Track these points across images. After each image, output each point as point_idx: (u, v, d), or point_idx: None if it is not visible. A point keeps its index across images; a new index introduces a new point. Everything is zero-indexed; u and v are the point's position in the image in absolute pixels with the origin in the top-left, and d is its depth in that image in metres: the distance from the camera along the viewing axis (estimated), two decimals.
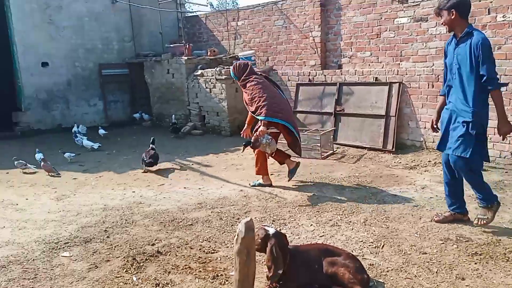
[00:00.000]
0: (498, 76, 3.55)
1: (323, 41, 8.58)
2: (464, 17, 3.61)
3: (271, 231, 2.81)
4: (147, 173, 6.39)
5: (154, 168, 6.50)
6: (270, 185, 5.53)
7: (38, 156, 6.71)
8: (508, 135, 3.75)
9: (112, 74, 10.89)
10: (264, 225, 2.96)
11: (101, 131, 9.26)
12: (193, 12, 12.32)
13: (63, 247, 3.57)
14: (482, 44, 3.44)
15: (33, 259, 3.33)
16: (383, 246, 3.59)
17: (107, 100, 10.91)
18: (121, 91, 11.18)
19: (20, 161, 6.61)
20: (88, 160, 7.35)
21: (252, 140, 5.27)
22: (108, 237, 3.81)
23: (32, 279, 3.04)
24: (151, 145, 6.79)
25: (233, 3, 37.48)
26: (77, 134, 8.53)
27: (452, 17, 3.58)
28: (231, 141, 8.76)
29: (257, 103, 5.17)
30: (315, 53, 8.69)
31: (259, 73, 5.67)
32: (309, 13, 8.68)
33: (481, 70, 3.46)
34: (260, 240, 2.77)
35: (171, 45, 10.58)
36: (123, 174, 6.44)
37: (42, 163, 6.47)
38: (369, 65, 7.85)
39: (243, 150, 5.65)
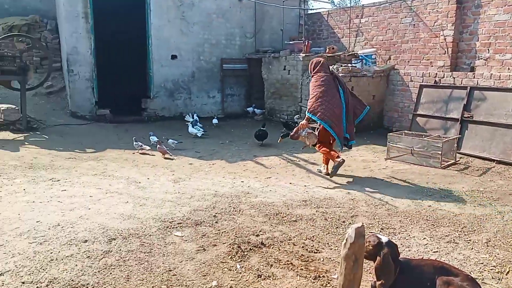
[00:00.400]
0: None
1: (456, 41, 7.86)
2: None
3: (384, 239, 2.63)
4: (257, 165, 6.55)
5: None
6: (328, 175, 5.95)
7: (153, 139, 7.44)
8: None
9: (232, 69, 11.39)
10: (375, 233, 2.79)
11: (214, 121, 9.95)
12: (315, 9, 12.20)
13: (176, 227, 3.81)
14: None
15: (150, 235, 3.61)
16: (508, 272, 3.15)
17: (225, 93, 11.45)
18: (238, 85, 11.63)
19: (138, 142, 7.31)
20: (201, 147, 7.78)
21: (291, 132, 6.02)
22: (216, 222, 3.97)
23: (148, 253, 3.29)
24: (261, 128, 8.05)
25: (354, 1, 36.63)
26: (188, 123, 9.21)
27: None
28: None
29: (309, 99, 5.80)
30: (444, 53, 8.00)
31: (330, 72, 5.94)
32: (442, 11, 8.00)
33: None
34: (371, 248, 2.61)
35: (291, 42, 10.66)
36: (233, 164, 6.69)
37: (158, 145, 7.07)
38: (508, 69, 6.95)
39: (279, 140, 6.78)
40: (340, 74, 8.72)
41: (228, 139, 8.71)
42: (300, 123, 5.94)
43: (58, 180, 5.14)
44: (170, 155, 6.99)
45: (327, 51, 10.14)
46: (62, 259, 3.09)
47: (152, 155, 7.17)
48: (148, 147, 7.32)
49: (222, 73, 11.29)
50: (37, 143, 7.34)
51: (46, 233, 3.51)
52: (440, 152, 6.50)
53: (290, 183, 5.56)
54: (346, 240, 2.44)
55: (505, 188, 5.45)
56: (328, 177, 5.93)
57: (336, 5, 27.11)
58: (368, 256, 2.63)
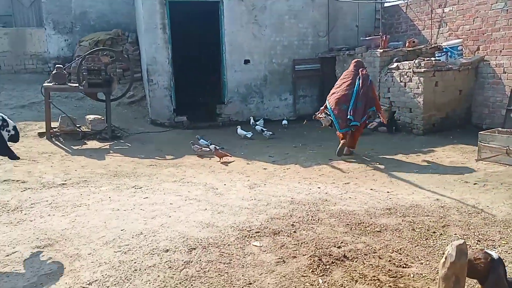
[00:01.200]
0: None
1: None
2: None
3: (495, 255, 2.29)
4: (333, 169, 6.31)
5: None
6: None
7: (203, 142, 7.80)
8: None
9: (304, 69, 11.19)
10: (484, 248, 2.45)
11: (284, 122, 10.11)
12: (392, 1, 11.59)
13: (254, 236, 3.72)
14: None
15: (229, 244, 3.56)
16: None
17: (297, 95, 11.28)
18: (311, 85, 11.39)
19: (196, 145, 7.55)
20: (274, 151, 7.68)
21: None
22: (295, 232, 3.82)
23: (227, 264, 3.24)
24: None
25: None
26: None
27: None
28: (424, 140, 7.99)
29: None
30: None
31: (357, 69, 7.06)
32: None
33: None
34: (482, 265, 2.27)
35: (367, 38, 10.22)
36: (308, 168, 6.50)
37: (214, 149, 7.17)
38: None
39: (304, 122, 8.92)
40: (422, 70, 8.16)
41: (301, 142, 8.53)
42: (321, 108, 7.46)
43: (141, 188, 5.34)
44: (229, 156, 7.13)
45: (406, 45, 9.56)
46: (145, 269, 3.14)
47: (205, 156, 7.42)
48: (208, 148, 7.51)
49: (294, 75, 11.14)
50: (121, 151, 7.75)
51: (130, 242, 3.61)
52: None
53: (371, 189, 5.25)
54: (446, 258, 2.17)
55: None
56: (413, 182, 5.52)
57: None
58: (475, 275, 2.31)
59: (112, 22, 12.69)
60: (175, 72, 10.42)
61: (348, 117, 6.81)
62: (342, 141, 6.97)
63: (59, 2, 12.41)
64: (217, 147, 7.37)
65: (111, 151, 7.70)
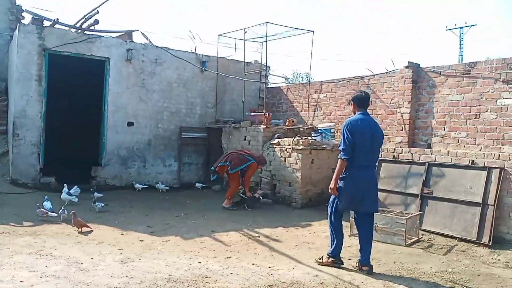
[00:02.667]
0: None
1: (412, 118, 8.11)
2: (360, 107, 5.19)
3: None
4: (215, 242, 6.06)
5: None
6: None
7: (47, 205, 6.84)
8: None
9: (191, 137, 11.14)
10: None
11: (160, 186, 10.01)
12: (275, 83, 12.53)
13: None
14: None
15: None
16: None
17: (182, 162, 11.06)
18: (197, 153, 11.32)
19: (41, 209, 6.70)
20: (154, 220, 7.20)
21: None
22: None
23: None
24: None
25: (307, 77, 38.69)
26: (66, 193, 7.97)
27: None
28: (302, 214, 8.29)
29: None
30: (402, 130, 8.20)
31: None
32: (399, 89, 8.33)
33: None
34: None
35: (252, 113, 10.67)
36: (189, 240, 6.16)
37: (73, 216, 6.29)
38: (464, 146, 7.17)
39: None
40: (301, 147, 8.69)
41: (183, 211, 8.16)
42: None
43: None
44: (89, 228, 6.28)
45: (287, 124, 10.20)
46: None
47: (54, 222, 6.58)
48: (54, 214, 6.66)
49: (181, 141, 10.99)
50: None
51: None
52: (404, 229, 6.35)
53: (253, 264, 5.09)
54: None
55: (472, 268, 5.29)
56: (293, 256, 5.54)
57: (289, 82, 28.37)
58: None
59: None
60: (47, 127, 9.47)
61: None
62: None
63: None
64: (74, 212, 6.33)
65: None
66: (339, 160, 4.98)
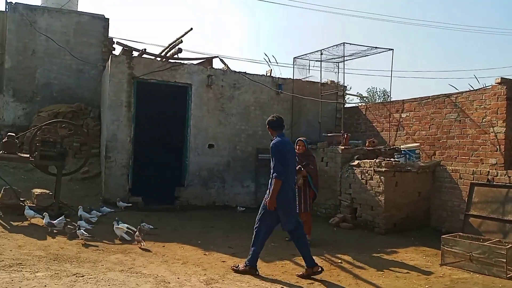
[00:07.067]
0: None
1: (508, 138, 7.43)
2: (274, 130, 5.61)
3: None
4: (296, 266, 5.94)
5: None
6: None
7: (118, 224, 6.99)
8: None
9: (267, 158, 11.17)
10: None
11: (240, 208, 10.26)
12: (353, 103, 12.28)
13: None
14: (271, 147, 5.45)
15: None
16: None
17: (258, 183, 11.14)
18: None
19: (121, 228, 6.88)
20: (234, 242, 7.26)
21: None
22: None
23: None
24: None
25: (384, 94, 37.36)
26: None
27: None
28: (386, 240, 7.87)
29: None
30: (496, 151, 7.55)
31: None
32: (491, 107, 7.72)
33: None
34: None
35: (329, 134, 10.51)
36: (270, 263, 6.11)
37: (137, 232, 6.59)
38: None
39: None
40: (383, 169, 8.34)
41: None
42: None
43: (83, 276, 4.72)
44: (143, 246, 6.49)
45: (366, 144, 9.88)
46: None
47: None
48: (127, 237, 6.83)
49: (257, 163, 11.10)
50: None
51: None
52: (504, 260, 5.75)
53: None
54: None
55: None
56: (380, 285, 5.24)
57: (365, 100, 27.65)
58: None
59: (76, 96, 12.46)
60: (135, 150, 10.11)
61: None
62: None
63: (23, 71, 12.15)
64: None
65: (55, 230, 6.97)
66: (275, 180, 5.33)
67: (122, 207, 8.98)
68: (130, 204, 9.21)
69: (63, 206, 8.27)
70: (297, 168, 7.07)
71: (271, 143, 5.53)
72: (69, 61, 12.52)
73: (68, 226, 6.80)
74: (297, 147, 7.46)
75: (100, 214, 8.19)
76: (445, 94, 8.85)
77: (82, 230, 6.60)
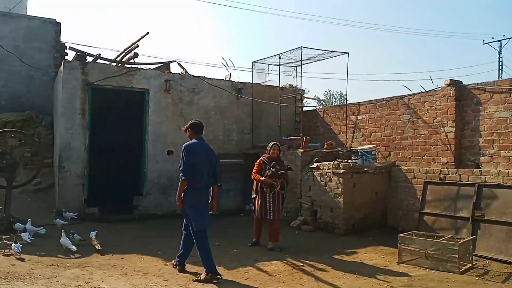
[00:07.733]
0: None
1: (458, 137, 7.80)
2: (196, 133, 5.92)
3: None
4: (259, 272, 5.93)
5: None
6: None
7: (92, 234, 7.04)
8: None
9: (228, 163, 11.15)
10: None
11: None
12: (311, 106, 12.49)
13: None
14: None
15: None
16: None
17: (220, 189, 11.04)
18: (234, 180, 11.29)
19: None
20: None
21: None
22: None
23: None
24: None
25: (340, 97, 38.28)
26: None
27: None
28: (345, 241, 8.02)
29: None
30: (447, 150, 7.90)
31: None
32: (441, 108, 8.08)
33: None
34: None
35: (288, 138, 10.62)
36: (233, 270, 6.06)
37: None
38: None
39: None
40: (341, 171, 8.51)
41: (224, 239, 8.10)
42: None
43: None
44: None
45: (325, 147, 10.05)
46: None
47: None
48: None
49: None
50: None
51: None
52: (457, 256, 6.01)
53: None
54: None
55: None
56: (340, 287, 5.34)
57: (322, 103, 28.19)
58: None
59: (26, 104, 11.91)
60: (91, 159, 9.77)
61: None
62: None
63: None
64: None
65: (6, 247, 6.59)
66: (180, 180, 5.55)
67: (69, 218, 8.57)
68: (76, 214, 8.66)
69: (14, 220, 7.84)
70: (279, 172, 7.30)
71: (183, 144, 5.74)
72: (18, 67, 11.97)
73: (4, 241, 6.45)
74: (272, 151, 7.57)
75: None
76: (398, 96, 9.17)
77: (16, 245, 6.24)
